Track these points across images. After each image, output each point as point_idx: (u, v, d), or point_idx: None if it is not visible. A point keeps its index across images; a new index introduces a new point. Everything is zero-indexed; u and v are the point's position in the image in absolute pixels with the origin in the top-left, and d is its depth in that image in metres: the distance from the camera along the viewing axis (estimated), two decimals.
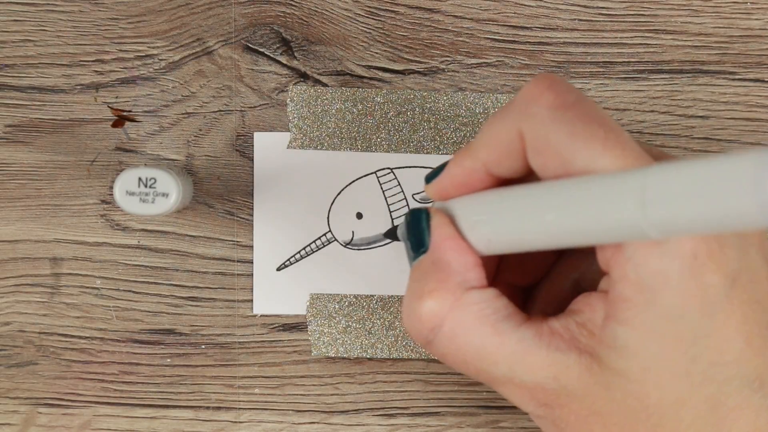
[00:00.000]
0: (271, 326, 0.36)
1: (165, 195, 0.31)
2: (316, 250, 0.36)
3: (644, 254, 0.19)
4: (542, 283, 0.27)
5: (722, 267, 0.19)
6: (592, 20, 0.36)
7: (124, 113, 0.36)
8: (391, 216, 0.36)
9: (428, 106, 0.36)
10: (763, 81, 0.36)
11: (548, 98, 0.21)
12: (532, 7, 0.36)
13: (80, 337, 0.36)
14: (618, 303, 0.20)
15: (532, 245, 0.21)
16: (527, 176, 0.23)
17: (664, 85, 0.36)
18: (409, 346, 0.36)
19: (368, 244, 0.36)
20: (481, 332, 0.22)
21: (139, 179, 0.31)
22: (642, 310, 0.20)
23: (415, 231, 0.24)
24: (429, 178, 0.25)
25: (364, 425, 0.36)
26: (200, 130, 0.36)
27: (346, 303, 0.36)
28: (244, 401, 0.36)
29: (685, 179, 0.16)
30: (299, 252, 0.36)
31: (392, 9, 0.36)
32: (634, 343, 0.20)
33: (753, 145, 0.36)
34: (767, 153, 0.15)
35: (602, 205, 0.18)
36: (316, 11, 0.36)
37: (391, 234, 0.35)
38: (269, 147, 0.36)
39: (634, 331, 0.20)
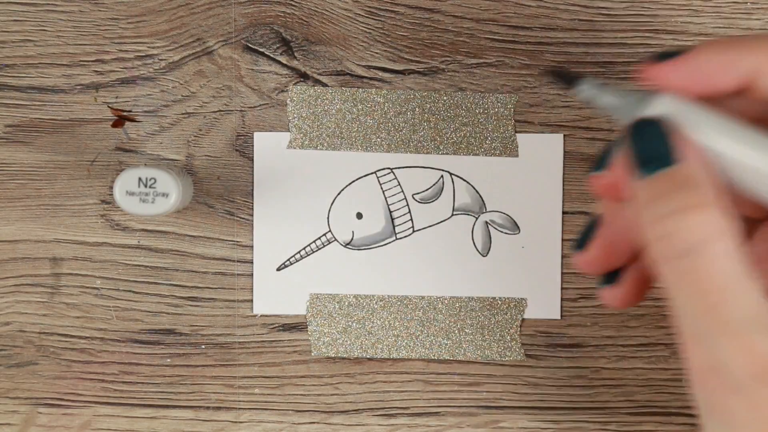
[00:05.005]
0: (271, 326, 0.36)
1: (165, 195, 0.31)
2: (316, 250, 0.36)
3: None
4: None
5: None
6: (592, 20, 0.36)
7: (124, 113, 0.36)
8: (391, 216, 0.36)
9: (428, 106, 0.36)
10: None
11: None
12: (532, 7, 0.36)
13: (80, 337, 0.36)
14: None
15: None
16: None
17: None
18: (409, 346, 0.36)
19: (368, 244, 0.36)
20: (736, 268, 0.20)
21: (139, 179, 0.31)
22: None
23: (654, 141, 0.22)
24: (664, 57, 0.23)
25: (364, 425, 0.36)
26: (200, 130, 0.36)
27: (346, 303, 0.36)
28: (244, 401, 0.36)
29: None
30: (299, 252, 0.36)
31: (392, 9, 0.36)
32: None
33: None
34: None
35: None
36: (316, 11, 0.36)
37: (561, 76, 0.26)
38: (269, 147, 0.36)
39: None
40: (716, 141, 0.22)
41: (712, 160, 0.22)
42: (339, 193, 0.36)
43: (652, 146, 0.22)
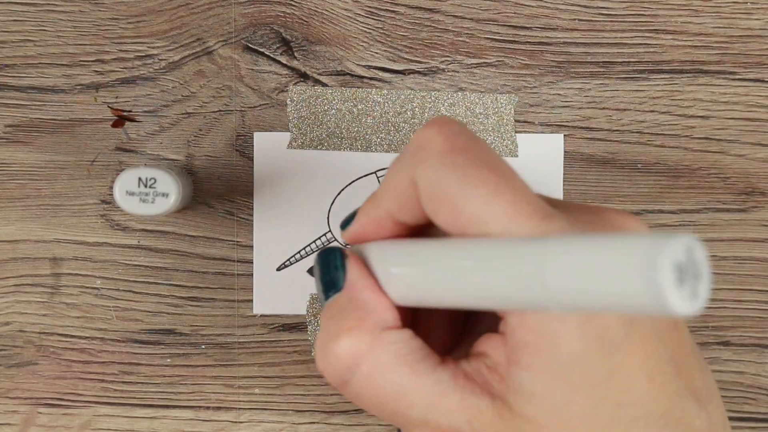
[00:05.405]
0: (271, 326, 0.36)
1: (165, 195, 0.31)
2: (316, 250, 0.36)
3: None
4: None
5: None
6: (592, 20, 0.36)
7: (124, 113, 0.36)
8: None
9: (428, 106, 0.36)
10: (763, 81, 0.36)
11: (438, 143, 0.21)
12: (532, 7, 0.36)
13: (80, 337, 0.36)
14: (519, 348, 0.20)
15: (439, 304, 0.21)
16: (432, 223, 0.23)
17: (664, 85, 0.36)
18: None
19: None
20: (398, 372, 0.21)
21: (139, 179, 0.31)
22: (544, 355, 0.20)
23: (329, 270, 0.24)
24: (344, 225, 0.25)
25: (364, 425, 0.36)
26: (200, 130, 0.36)
27: None
28: (244, 401, 0.36)
29: (583, 259, 0.16)
30: (299, 252, 0.36)
31: (392, 9, 0.36)
32: (541, 389, 0.20)
33: (753, 145, 0.36)
34: (662, 240, 0.15)
35: (502, 278, 0.18)
36: (316, 11, 0.36)
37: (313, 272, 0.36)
38: (269, 147, 0.36)
39: (540, 377, 0.20)
40: (383, 271, 0.23)
41: (388, 287, 0.23)
42: (339, 193, 0.36)
43: (328, 274, 0.23)
